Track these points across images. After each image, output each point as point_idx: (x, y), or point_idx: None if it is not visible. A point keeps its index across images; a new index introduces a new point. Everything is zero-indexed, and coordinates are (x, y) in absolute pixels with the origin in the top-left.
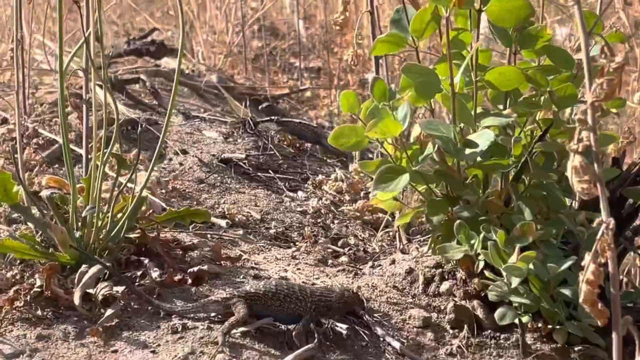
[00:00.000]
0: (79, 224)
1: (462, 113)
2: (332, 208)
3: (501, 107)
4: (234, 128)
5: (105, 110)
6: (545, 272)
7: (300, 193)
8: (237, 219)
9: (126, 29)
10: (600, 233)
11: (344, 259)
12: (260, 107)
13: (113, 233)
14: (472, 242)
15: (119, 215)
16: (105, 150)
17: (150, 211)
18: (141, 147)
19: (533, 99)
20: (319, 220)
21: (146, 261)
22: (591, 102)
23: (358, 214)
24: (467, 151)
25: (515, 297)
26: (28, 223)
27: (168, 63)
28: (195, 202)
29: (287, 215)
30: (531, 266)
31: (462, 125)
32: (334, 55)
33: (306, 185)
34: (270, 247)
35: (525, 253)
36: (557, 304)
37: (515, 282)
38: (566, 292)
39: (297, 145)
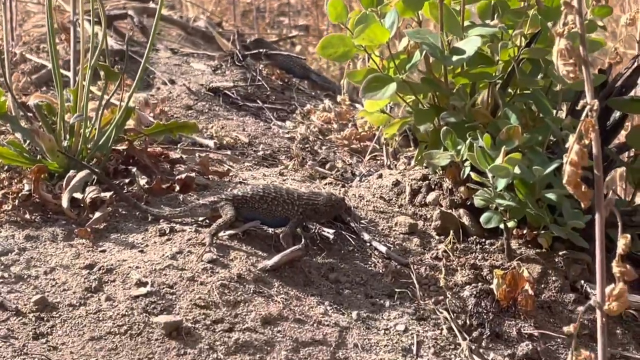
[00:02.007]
0: (67, 134)
1: (449, 22)
2: (320, 136)
3: (489, 21)
4: (222, 61)
5: (92, 40)
6: (530, 175)
7: (288, 123)
8: (225, 142)
9: None
10: (584, 114)
11: (331, 180)
12: (248, 41)
13: (101, 142)
14: (459, 147)
15: (107, 127)
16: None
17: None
18: (128, 74)
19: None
20: (306, 146)
21: (134, 170)
22: None
23: (346, 142)
24: (454, 58)
25: (500, 200)
26: (16, 133)
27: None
28: None
29: (275, 140)
30: (517, 170)
31: (449, 35)
32: (323, 15)
33: (294, 115)
34: (258, 167)
35: (511, 155)
36: (542, 209)
37: (501, 184)
38: (551, 196)
39: (286, 80)
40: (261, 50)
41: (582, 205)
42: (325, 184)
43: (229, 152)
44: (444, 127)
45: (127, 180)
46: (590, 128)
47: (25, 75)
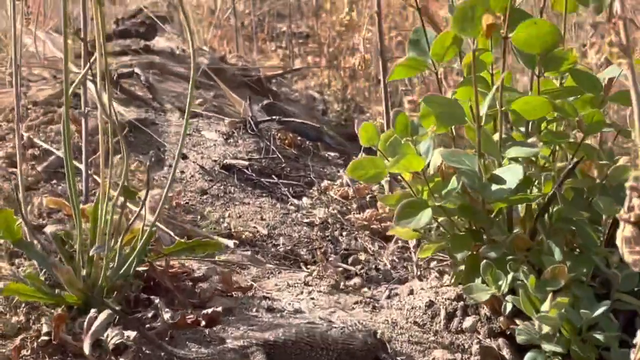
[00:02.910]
0: (85, 260)
1: (487, 144)
2: (339, 217)
3: (523, 129)
4: (234, 128)
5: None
6: (578, 318)
7: (305, 199)
8: (243, 237)
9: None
10: None
11: (356, 280)
12: (260, 104)
13: (122, 271)
14: (500, 283)
15: (127, 249)
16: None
17: (157, 236)
18: (139, 151)
19: (556, 124)
20: (326, 233)
21: (157, 300)
22: None
23: (366, 223)
24: (494, 187)
25: (546, 345)
26: (32, 260)
27: (159, 42)
28: (199, 216)
29: (295, 229)
30: (563, 311)
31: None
32: (324, 24)
33: (311, 190)
34: (280, 268)
35: (558, 300)
36: (588, 346)
37: (546, 328)
38: (599, 336)
39: (299, 142)
40: (274, 117)
41: None
42: (354, 303)
43: (249, 252)
44: (484, 261)
45: (150, 315)
46: None
47: (35, 166)
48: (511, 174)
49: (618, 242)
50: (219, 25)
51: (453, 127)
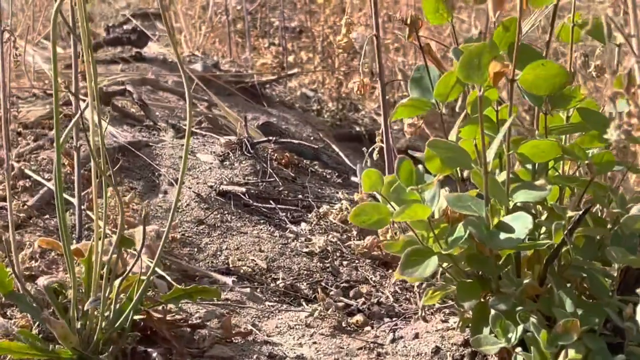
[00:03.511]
0: (80, 310)
1: (494, 189)
2: (339, 244)
3: (529, 166)
4: (230, 149)
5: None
6: None
7: (304, 225)
8: (242, 271)
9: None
10: None
11: (358, 317)
12: (256, 125)
13: (118, 323)
14: (509, 335)
15: (123, 297)
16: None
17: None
18: (133, 176)
19: (563, 162)
20: (326, 263)
21: (154, 354)
22: None
23: (366, 251)
24: (502, 236)
25: None
26: (24, 313)
27: (151, 48)
28: (196, 249)
29: (294, 260)
30: None
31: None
32: (317, 22)
33: (309, 215)
34: (280, 306)
35: (571, 356)
36: None
37: None
38: None
39: (296, 161)
40: (270, 138)
41: None
42: (358, 349)
43: (248, 289)
44: (493, 312)
45: None
46: None
47: (26, 202)
48: (520, 223)
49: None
50: (211, 26)
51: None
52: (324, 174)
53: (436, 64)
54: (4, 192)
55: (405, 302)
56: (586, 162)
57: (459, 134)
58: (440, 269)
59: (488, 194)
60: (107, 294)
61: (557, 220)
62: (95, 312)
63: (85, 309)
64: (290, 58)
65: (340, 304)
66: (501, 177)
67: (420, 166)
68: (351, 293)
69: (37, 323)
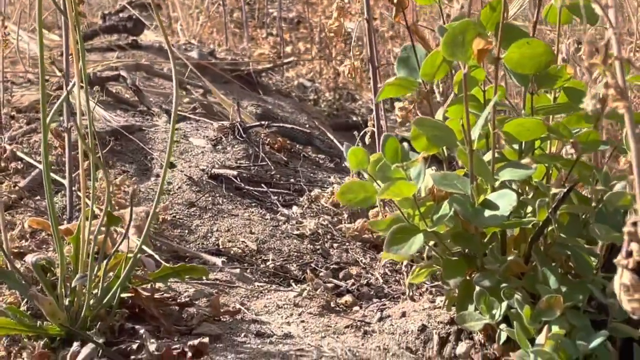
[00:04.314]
0: (68, 287)
1: (479, 168)
2: (330, 227)
3: (516, 146)
4: (222, 133)
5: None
6: (574, 349)
7: (295, 208)
8: (232, 252)
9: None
10: None
11: (347, 298)
12: (248, 106)
13: (105, 300)
14: (494, 312)
15: (111, 275)
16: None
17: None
18: (126, 160)
19: (550, 142)
20: (317, 246)
21: (142, 330)
22: None
23: (357, 234)
24: (487, 214)
25: None
26: (13, 290)
27: (147, 36)
28: (186, 231)
29: (284, 242)
30: (558, 341)
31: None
32: (315, 12)
33: (301, 199)
34: (269, 287)
35: (554, 331)
36: None
37: None
38: None
39: (289, 146)
40: (263, 122)
41: None
42: (345, 327)
43: (237, 270)
44: (477, 289)
45: (134, 346)
46: None
47: (17, 183)
48: (505, 200)
49: (616, 289)
50: (208, 15)
51: (444, 148)
52: (317, 158)
53: (423, 44)
54: None
55: (394, 284)
56: (571, 140)
57: (446, 114)
58: (427, 248)
59: (473, 172)
60: (95, 272)
61: (542, 197)
62: (83, 290)
63: (72, 285)
64: (288, 49)
65: (330, 285)
66: (487, 157)
67: (405, 144)
68: (341, 274)
69: (25, 300)
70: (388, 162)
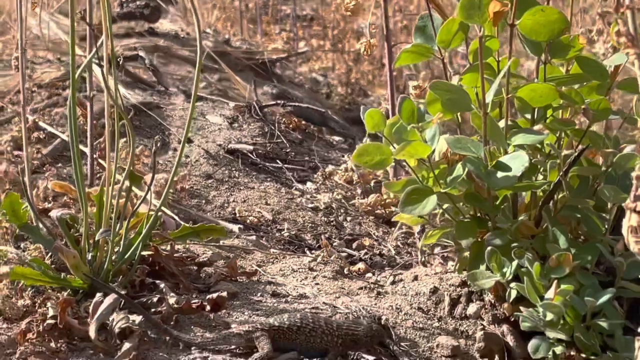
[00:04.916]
0: (91, 242)
1: (492, 131)
2: (344, 202)
3: (529, 115)
4: (239, 112)
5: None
6: (582, 305)
7: (309, 184)
8: (248, 221)
9: None
10: None
11: (360, 265)
12: (264, 87)
13: (127, 255)
14: (504, 270)
15: (132, 233)
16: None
17: (162, 220)
18: (144, 135)
19: (562, 111)
20: (331, 218)
21: (162, 285)
22: None
23: (370, 209)
24: (499, 175)
25: (550, 332)
26: (38, 244)
27: (162, 24)
28: (204, 201)
29: (299, 214)
30: (567, 298)
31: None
32: (327, 7)
33: (315, 175)
34: (285, 253)
35: (562, 287)
36: (592, 334)
37: (550, 316)
38: (602, 323)
39: (304, 127)
40: (279, 102)
41: None
42: (359, 289)
43: (253, 237)
44: (489, 248)
45: (155, 299)
46: None
47: (40, 150)
48: (517, 162)
49: (624, 231)
50: (223, 8)
51: (459, 113)
52: (331, 139)
53: (440, 12)
54: (18, 143)
55: (406, 255)
56: (583, 106)
57: (460, 82)
58: (440, 212)
59: (487, 135)
60: (117, 230)
61: (553, 160)
62: (105, 248)
63: (96, 239)
64: (301, 44)
65: (343, 254)
66: (501, 124)
67: (421, 105)
68: (354, 245)
69: (50, 254)
70: (404, 123)
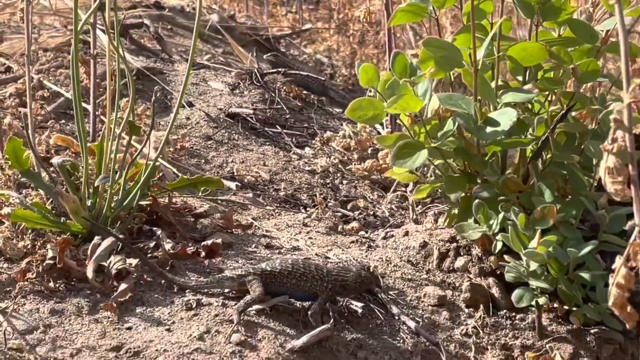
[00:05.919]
0: (91, 191)
1: (483, 89)
2: (341, 167)
3: (520, 78)
4: (240, 79)
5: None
6: (565, 256)
7: (307, 149)
8: (246, 180)
9: None
10: (633, 237)
11: (354, 224)
12: (265, 55)
13: (125, 202)
14: (491, 222)
15: (131, 183)
16: (118, 118)
17: (161, 174)
18: (147, 98)
19: (553, 72)
20: (327, 181)
21: (159, 232)
22: (628, 103)
23: (366, 174)
24: (488, 130)
25: (533, 281)
26: (39, 190)
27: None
28: (203, 161)
29: (296, 175)
30: (550, 249)
31: (482, 100)
32: None
33: (313, 141)
34: (280, 211)
35: (546, 237)
36: (574, 285)
37: (534, 265)
38: (585, 275)
39: (304, 97)
40: (279, 69)
41: (627, 326)
42: (351, 242)
43: (250, 194)
44: (476, 201)
45: (152, 245)
46: (638, 250)
47: (44, 106)
48: (505, 117)
49: (601, 172)
50: None
51: (451, 73)
52: (330, 108)
53: None
54: (23, 100)
55: (400, 217)
56: (572, 66)
57: (454, 42)
58: (431, 168)
59: (477, 92)
60: (116, 179)
61: (541, 117)
62: (105, 195)
63: (95, 185)
64: (307, 26)
65: (338, 214)
66: (492, 84)
67: (414, 61)
68: (349, 206)
69: (50, 200)
70: (397, 77)
